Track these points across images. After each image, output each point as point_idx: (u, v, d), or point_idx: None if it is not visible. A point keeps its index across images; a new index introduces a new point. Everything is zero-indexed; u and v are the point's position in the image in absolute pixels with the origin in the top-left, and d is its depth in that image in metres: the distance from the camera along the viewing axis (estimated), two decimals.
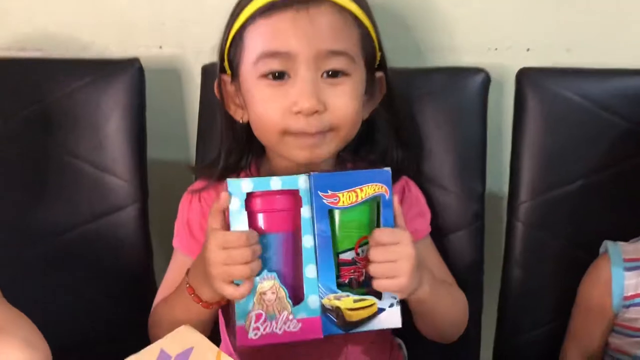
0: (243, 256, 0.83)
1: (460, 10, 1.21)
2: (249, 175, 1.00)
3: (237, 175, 1.01)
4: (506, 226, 1.17)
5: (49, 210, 1.16)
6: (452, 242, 1.13)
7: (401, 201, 0.98)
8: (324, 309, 0.87)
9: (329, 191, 0.87)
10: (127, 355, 0.80)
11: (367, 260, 0.87)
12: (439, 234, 1.09)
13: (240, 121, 0.98)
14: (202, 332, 0.83)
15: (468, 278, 1.10)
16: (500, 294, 1.18)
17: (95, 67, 1.18)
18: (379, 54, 0.99)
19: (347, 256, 0.89)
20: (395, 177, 0.90)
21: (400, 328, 0.90)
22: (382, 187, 0.88)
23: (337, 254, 0.89)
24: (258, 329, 0.86)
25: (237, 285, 0.84)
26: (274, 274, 0.86)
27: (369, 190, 0.88)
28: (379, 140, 1.02)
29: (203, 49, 1.15)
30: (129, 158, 1.16)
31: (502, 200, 1.22)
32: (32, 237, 1.16)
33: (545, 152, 1.13)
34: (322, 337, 0.88)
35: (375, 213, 0.90)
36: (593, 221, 1.13)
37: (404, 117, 1.06)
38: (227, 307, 0.92)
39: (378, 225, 0.89)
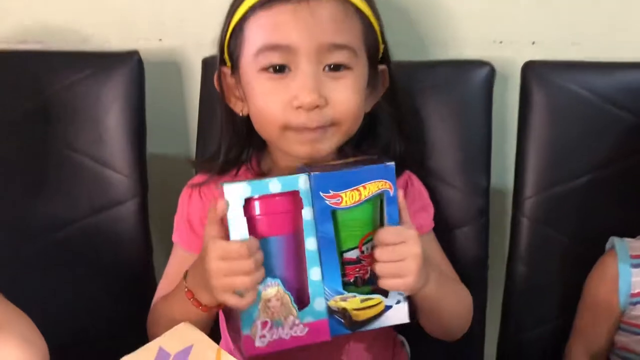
0: (245, 267, 0.81)
1: (464, 3, 1.20)
2: (250, 169, 0.99)
3: (238, 169, 1.00)
4: (511, 222, 1.16)
5: (48, 204, 1.16)
6: (456, 237, 1.12)
7: (404, 196, 0.97)
8: (330, 310, 0.86)
9: (330, 191, 0.84)
10: (127, 351, 0.80)
11: (372, 258, 0.86)
12: (442, 229, 1.07)
13: (241, 114, 0.97)
14: (202, 330, 0.82)
15: (472, 274, 1.10)
16: (504, 290, 1.18)
17: (95, 60, 1.18)
18: (381, 47, 0.98)
19: (352, 255, 0.87)
20: (398, 172, 0.88)
21: (403, 324, 0.89)
22: (385, 183, 0.86)
23: (341, 253, 0.87)
24: (264, 336, 0.84)
25: (241, 294, 0.82)
26: (278, 280, 0.84)
27: (373, 187, 0.85)
28: (382, 134, 1.01)
29: (203, 42, 1.14)
30: (128, 152, 1.15)
31: (507, 196, 1.21)
32: (31, 232, 1.16)
33: (551, 146, 1.12)
34: (330, 339, 0.86)
35: (379, 208, 0.88)
36: (599, 217, 1.12)
37: (407, 111, 1.05)
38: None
39: (382, 221, 0.88)
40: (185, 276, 0.90)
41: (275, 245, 0.85)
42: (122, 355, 0.79)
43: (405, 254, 0.85)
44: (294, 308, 0.85)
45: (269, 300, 0.84)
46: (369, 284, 0.88)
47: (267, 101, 0.91)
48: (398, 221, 0.87)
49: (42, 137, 1.16)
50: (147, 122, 1.18)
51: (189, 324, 0.82)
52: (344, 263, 0.87)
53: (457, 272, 1.03)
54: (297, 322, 0.85)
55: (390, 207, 0.86)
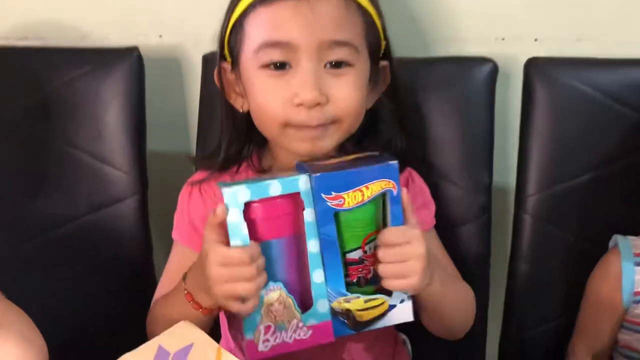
0: (246, 274, 0.80)
1: None
2: (251, 165, 0.99)
3: (239, 166, 0.99)
4: (513, 219, 1.16)
5: (48, 201, 1.16)
6: (459, 235, 1.12)
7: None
8: (333, 312, 0.85)
9: (332, 193, 0.82)
10: (127, 349, 0.79)
11: (375, 258, 0.85)
12: (445, 227, 1.07)
13: (241, 110, 0.97)
14: (202, 329, 0.81)
15: (474, 272, 1.09)
16: (507, 288, 1.17)
17: (95, 57, 1.17)
18: (383, 43, 0.97)
19: (354, 255, 0.86)
20: (399, 168, 0.87)
21: (405, 323, 0.88)
22: (388, 182, 0.84)
23: (343, 254, 0.85)
24: (268, 340, 0.83)
25: (243, 299, 0.81)
26: (280, 284, 0.83)
27: (376, 187, 0.83)
28: (383, 130, 1.01)
29: (203, 38, 1.13)
30: (128, 148, 1.15)
31: (509, 193, 1.21)
32: (30, 229, 1.16)
33: (554, 144, 1.12)
34: (334, 340, 0.86)
35: (381, 207, 0.87)
36: (602, 214, 1.12)
37: (409, 107, 1.05)
38: None
39: (385, 220, 0.87)
40: (184, 277, 0.89)
41: (277, 249, 0.84)
42: (121, 353, 0.79)
43: (410, 254, 0.84)
44: (297, 311, 0.84)
45: (271, 304, 0.83)
46: (372, 283, 0.87)
47: (268, 98, 0.90)
48: (402, 221, 0.85)
49: (42, 134, 1.15)
50: (147, 118, 1.17)
51: (189, 323, 0.81)
52: (346, 263, 0.86)
53: (459, 270, 1.03)
54: (300, 325, 0.84)
55: (394, 207, 0.85)
